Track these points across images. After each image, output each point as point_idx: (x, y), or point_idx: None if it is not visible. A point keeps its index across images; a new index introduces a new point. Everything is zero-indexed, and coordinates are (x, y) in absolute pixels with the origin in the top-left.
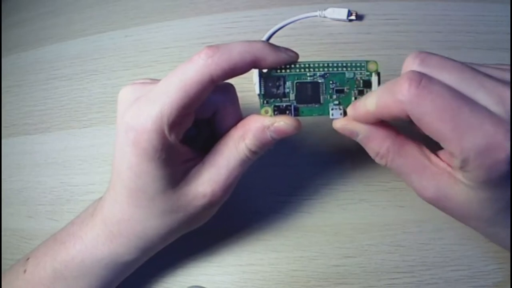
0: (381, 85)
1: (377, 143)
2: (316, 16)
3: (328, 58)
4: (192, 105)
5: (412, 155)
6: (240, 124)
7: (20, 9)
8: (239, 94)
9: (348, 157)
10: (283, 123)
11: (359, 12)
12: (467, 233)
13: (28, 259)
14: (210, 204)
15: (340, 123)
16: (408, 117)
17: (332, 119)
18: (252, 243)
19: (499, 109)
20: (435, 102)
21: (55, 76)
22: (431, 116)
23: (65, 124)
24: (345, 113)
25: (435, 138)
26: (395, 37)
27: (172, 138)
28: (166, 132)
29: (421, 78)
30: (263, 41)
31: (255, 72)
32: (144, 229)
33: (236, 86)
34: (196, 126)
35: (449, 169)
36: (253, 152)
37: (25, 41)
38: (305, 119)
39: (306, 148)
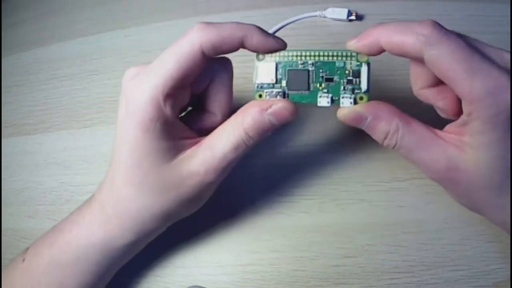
0: (394, 23)
1: (386, 123)
2: (316, 16)
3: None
4: (186, 77)
5: (419, 130)
6: (239, 110)
7: (20, 9)
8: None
9: (349, 157)
10: (281, 105)
11: (359, 12)
12: (467, 233)
13: (27, 249)
14: (202, 184)
15: (346, 109)
16: (417, 58)
17: (320, 107)
18: (252, 243)
19: (502, 64)
20: (452, 46)
21: (55, 76)
22: (448, 57)
23: (65, 124)
24: (332, 101)
25: (446, 79)
26: None
27: (167, 109)
28: (161, 103)
29: (443, 26)
30: (254, 25)
31: (256, 61)
32: (138, 209)
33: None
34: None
35: (456, 138)
36: (250, 137)
37: (25, 41)
38: (305, 121)
39: (306, 148)
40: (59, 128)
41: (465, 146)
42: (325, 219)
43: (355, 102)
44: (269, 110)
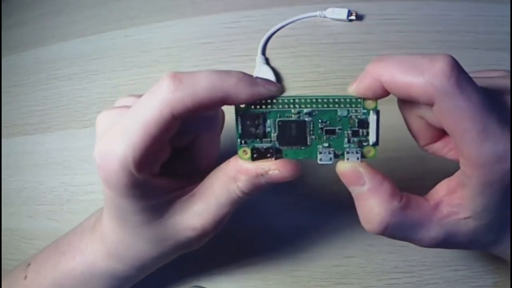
0: (398, 58)
1: (385, 198)
2: (316, 16)
3: (319, 93)
4: (158, 142)
5: (418, 207)
6: (233, 162)
7: (21, 9)
8: None
9: None
10: (278, 172)
11: (359, 12)
12: None
13: (29, 264)
14: (199, 237)
15: (348, 164)
16: (424, 103)
17: (321, 164)
18: (252, 243)
19: None
20: (471, 100)
21: (55, 76)
22: (463, 112)
23: (65, 124)
24: (335, 157)
25: (453, 134)
26: (395, 37)
27: (142, 176)
28: (134, 172)
29: (462, 69)
30: (238, 74)
31: (235, 110)
32: (137, 252)
33: None
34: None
35: (453, 203)
36: (246, 194)
37: (25, 41)
38: None
39: None
40: (59, 128)
41: (464, 210)
42: (325, 219)
43: (363, 156)
44: (266, 176)
